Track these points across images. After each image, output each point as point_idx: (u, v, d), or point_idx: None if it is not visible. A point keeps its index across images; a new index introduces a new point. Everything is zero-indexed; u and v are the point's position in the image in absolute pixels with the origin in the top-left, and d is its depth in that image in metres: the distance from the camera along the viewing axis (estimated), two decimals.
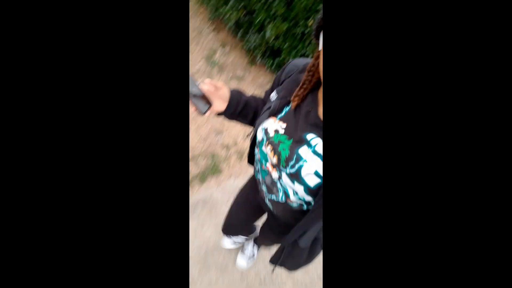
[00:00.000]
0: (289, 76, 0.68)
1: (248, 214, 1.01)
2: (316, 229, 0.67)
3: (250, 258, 1.50)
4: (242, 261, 1.50)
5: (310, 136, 0.58)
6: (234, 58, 2.54)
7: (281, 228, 0.77)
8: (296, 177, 0.60)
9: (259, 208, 0.89)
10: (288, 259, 0.79)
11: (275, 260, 0.81)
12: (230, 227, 1.14)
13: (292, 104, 0.62)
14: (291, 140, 0.61)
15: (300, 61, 0.70)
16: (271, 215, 0.82)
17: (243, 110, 0.77)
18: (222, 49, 2.57)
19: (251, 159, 0.84)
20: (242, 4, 2.27)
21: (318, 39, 0.57)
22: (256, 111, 0.79)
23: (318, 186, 0.58)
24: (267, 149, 0.66)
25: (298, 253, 0.76)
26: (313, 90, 0.63)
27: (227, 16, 2.37)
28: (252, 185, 0.90)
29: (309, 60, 0.68)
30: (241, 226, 1.12)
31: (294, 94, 0.63)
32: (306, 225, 0.63)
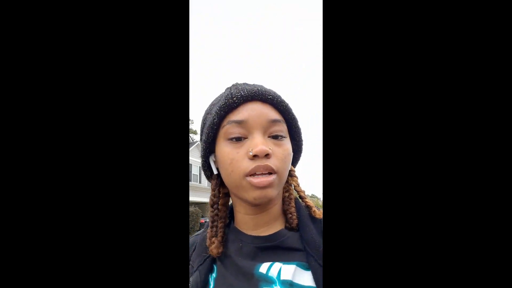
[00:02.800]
0: (194, 248, 0.55)
1: None
2: None
3: None
4: None
5: (264, 267, 0.45)
6: None
7: None
8: None
9: None
10: None
11: None
12: None
13: (213, 253, 0.49)
14: None
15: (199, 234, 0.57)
16: None
17: None
18: None
19: None
20: None
21: (207, 164, 0.52)
22: None
23: None
24: None
25: None
26: (229, 225, 0.53)
27: None
28: None
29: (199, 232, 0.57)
30: None
31: (208, 243, 0.50)
32: None
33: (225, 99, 0.47)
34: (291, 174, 0.53)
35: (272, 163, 0.44)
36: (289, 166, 0.49)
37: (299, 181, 0.55)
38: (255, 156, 0.44)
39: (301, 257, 0.45)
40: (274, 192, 0.45)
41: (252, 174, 0.44)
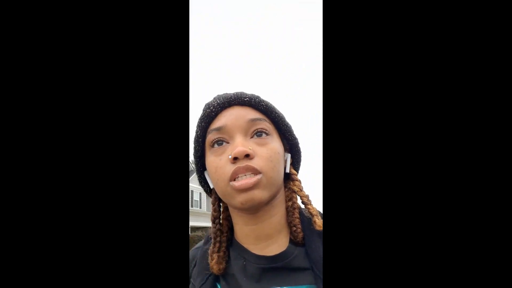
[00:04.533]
0: (194, 264, 0.51)
1: None
2: None
3: None
4: None
5: None
6: None
7: None
8: None
9: None
10: None
11: None
12: None
13: (214, 270, 0.46)
14: None
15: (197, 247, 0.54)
16: None
17: None
18: None
19: None
20: None
21: (204, 180, 0.51)
22: None
23: None
24: None
25: None
26: (230, 240, 0.50)
27: None
28: None
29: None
30: None
31: (209, 260, 0.47)
32: None
33: (203, 111, 0.48)
34: (292, 178, 0.51)
35: (255, 163, 0.42)
36: (279, 166, 0.46)
37: (302, 185, 0.51)
38: (235, 159, 0.42)
39: (310, 278, 0.42)
40: (264, 194, 0.43)
41: (235, 178, 0.42)
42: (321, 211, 0.49)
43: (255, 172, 0.42)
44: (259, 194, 0.42)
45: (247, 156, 0.42)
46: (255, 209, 0.44)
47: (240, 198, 0.42)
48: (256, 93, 0.48)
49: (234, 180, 0.42)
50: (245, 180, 0.41)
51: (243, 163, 0.42)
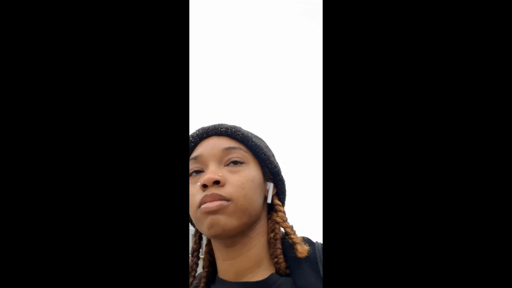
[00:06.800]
0: None
1: None
2: None
3: None
4: None
5: None
6: None
7: None
8: None
9: None
10: None
11: None
12: None
13: None
14: None
15: None
16: None
17: None
18: None
19: None
20: None
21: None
22: None
23: None
24: None
25: None
26: (213, 277, 0.49)
27: None
28: None
29: None
30: None
31: None
32: None
33: None
34: (275, 209, 0.49)
35: (223, 191, 0.42)
36: (253, 194, 0.45)
37: (287, 216, 0.49)
38: (205, 186, 0.43)
39: None
40: (230, 221, 0.42)
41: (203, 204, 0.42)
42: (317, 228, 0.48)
43: (222, 199, 0.42)
44: (224, 220, 0.42)
45: (217, 183, 0.42)
46: (228, 240, 0.44)
47: (206, 222, 0.42)
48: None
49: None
50: (209, 203, 0.42)
51: (210, 191, 0.42)
